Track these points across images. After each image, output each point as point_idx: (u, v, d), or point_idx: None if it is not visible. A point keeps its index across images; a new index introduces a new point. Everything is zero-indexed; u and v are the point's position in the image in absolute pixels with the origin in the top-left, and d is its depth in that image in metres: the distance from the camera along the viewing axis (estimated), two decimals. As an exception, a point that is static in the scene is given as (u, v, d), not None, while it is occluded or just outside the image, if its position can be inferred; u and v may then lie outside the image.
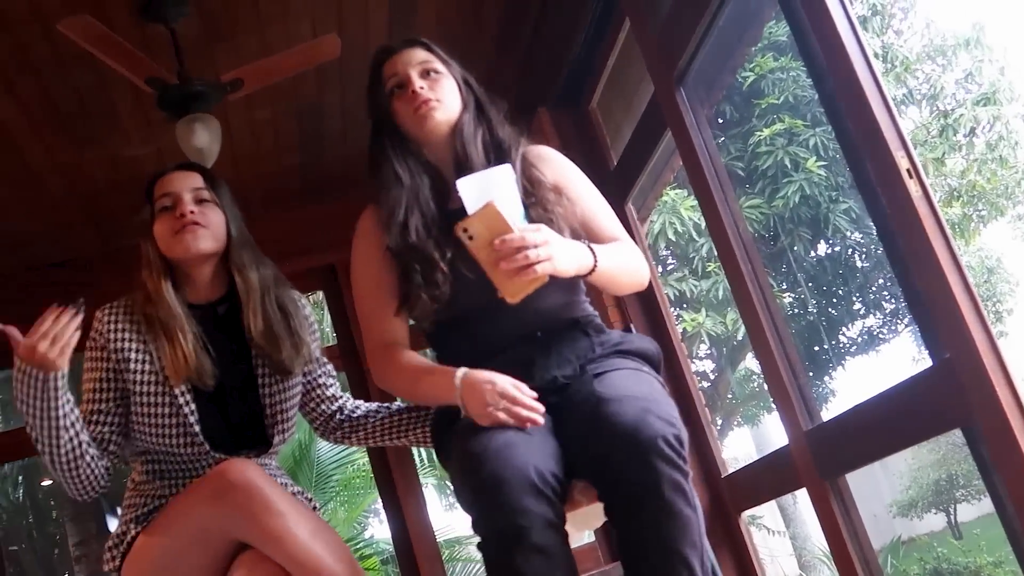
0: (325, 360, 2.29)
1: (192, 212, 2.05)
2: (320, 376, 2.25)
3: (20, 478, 9.41)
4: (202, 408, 2.04)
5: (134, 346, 2.05)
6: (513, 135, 2.04)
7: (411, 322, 2.00)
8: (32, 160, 3.54)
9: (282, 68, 3.25)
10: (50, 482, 9.48)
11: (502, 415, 1.71)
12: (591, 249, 1.82)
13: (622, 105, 3.73)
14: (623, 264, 1.93)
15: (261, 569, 1.79)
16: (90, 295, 4.27)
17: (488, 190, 1.73)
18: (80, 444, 1.96)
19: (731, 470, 3.05)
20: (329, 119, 3.88)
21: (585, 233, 1.95)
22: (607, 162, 3.53)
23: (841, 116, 2.09)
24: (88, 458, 1.99)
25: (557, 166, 2.05)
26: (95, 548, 8.82)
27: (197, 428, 2.01)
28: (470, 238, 1.68)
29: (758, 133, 10.53)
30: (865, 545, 2.26)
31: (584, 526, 1.92)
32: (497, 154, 1.98)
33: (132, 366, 2.04)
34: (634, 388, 1.74)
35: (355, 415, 2.26)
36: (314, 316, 2.31)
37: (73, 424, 1.94)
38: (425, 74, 2.00)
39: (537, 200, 1.91)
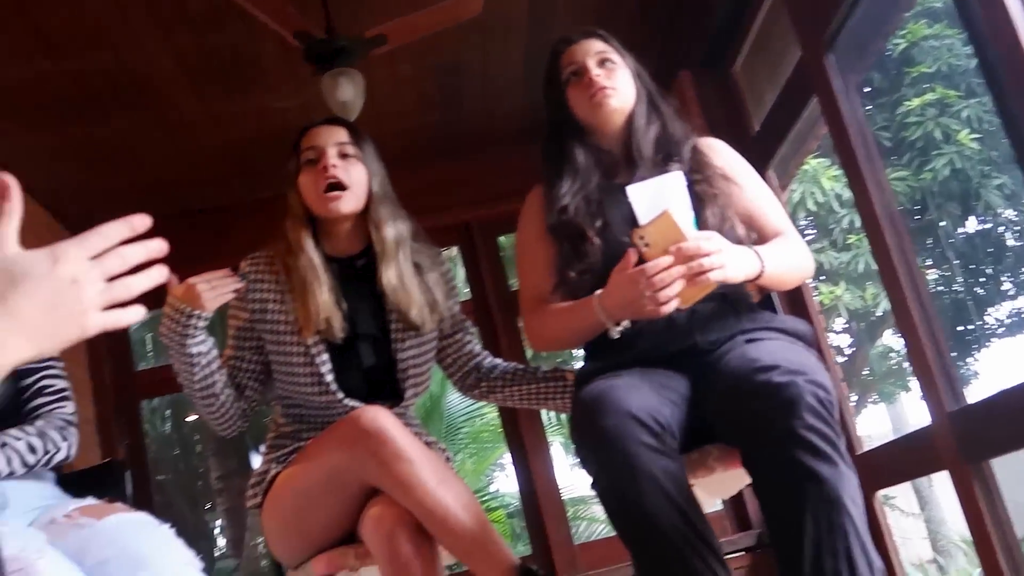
0: (463, 317, 2.31)
1: (335, 167, 2.10)
2: (457, 332, 2.29)
3: (169, 412, 9.89)
4: (335, 359, 2.10)
5: (272, 296, 2.13)
6: (684, 130, 2.09)
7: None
8: (186, 110, 3.67)
9: (425, 25, 3.27)
10: (195, 417, 9.94)
11: (657, 295, 1.70)
12: (759, 255, 1.83)
13: (767, 69, 3.62)
14: (788, 265, 1.94)
15: (391, 513, 1.83)
16: (233, 242, 4.43)
17: (659, 197, 1.77)
18: (214, 384, 2.06)
19: (865, 448, 2.97)
20: (469, 77, 3.90)
21: (750, 222, 1.97)
22: (748, 128, 3.45)
23: (1003, 87, 1.98)
24: (223, 397, 2.09)
25: (727, 156, 2.10)
26: (236, 482, 9.23)
27: (330, 378, 2.07)
28: (646, 245, 1.71)
29: (907, 103, 10.10)
30: (1008, 533, 2.17)
31: (717, 494, 1.90)
32: (668, 148, 2.03)
33: (269, 316, 2.12)
34: (788, 355, 1.70)
35: (493, 375, 2.28)
36: (453, 272, 2.34)
37: (209, 364, 2.05)
38: (601, 63, 2.06)
39: (704, 179, 1.95)
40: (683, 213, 1.76)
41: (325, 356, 2.08)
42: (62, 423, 2.00)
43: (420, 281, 2.16)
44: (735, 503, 3.74)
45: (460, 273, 5.30)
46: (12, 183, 0.99)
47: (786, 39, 3.20)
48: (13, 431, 1.90)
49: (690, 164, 1.99)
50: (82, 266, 0.95)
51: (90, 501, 1.96)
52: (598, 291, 1.82)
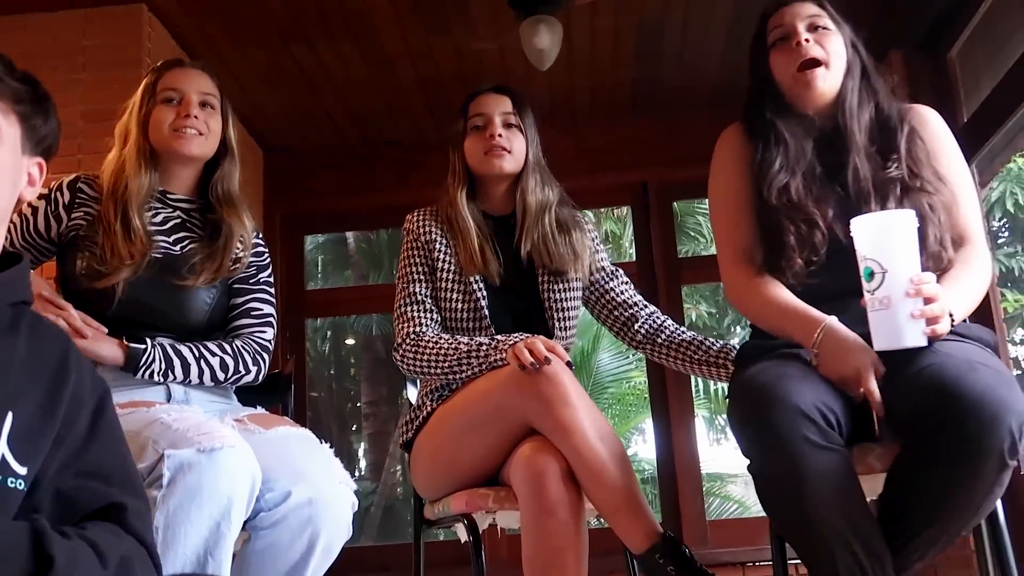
0: (615, 269, 2.41)
1: (500, 136, 2.27)
2: (608, 282, 2.38)
3: (328, 333, 10.26)
4: (491, 297, 2.22)
5: (439, 240, 2.27)
6: (899, 113, 1.95)
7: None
8: (389, 44, 3.75)
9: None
10: (353, 342, 10.28)
11: (860, 389, 1.65)
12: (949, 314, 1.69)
13: (986, 57, 3.42)
14: (972, 303, 1.81)
15: (543, 456, 1.85)
16: (419, 176, 4.50)
17: (884, 238, 1.66)
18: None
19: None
20: (669, 37, 3.83)
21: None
22: (957, 116, 3.27)
23: None
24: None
25: (938, 135, 1.96)
26: (383, 409, 9.54)
27: (486, 312, 2.19)
28: None
29: None
30: None
31: (869, 493, 1.82)
32: (884, 138, 1.91)
33: (436, 255, 2.26)
34: (983, 358, 1.63)
35: (659, 340, 2.33)
36: (596, 233, 2.47)
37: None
38: (813, 28, 1.93)
39: (921, 184, 1.84)
40: (908, 255, 1.65)
41: (484, 292, 2.20)
42: (258, 348, 2.08)
43: (565, 239, 2.29)
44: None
45: (628, 232, 5.27)
46: None
47: (1014, 26, 3.01)
48: (212, 346, 2.00)
49: (907, 161, 1.86)
50: None
51: (259, 410, 2.05)
52: (831, 322, 1.72)
